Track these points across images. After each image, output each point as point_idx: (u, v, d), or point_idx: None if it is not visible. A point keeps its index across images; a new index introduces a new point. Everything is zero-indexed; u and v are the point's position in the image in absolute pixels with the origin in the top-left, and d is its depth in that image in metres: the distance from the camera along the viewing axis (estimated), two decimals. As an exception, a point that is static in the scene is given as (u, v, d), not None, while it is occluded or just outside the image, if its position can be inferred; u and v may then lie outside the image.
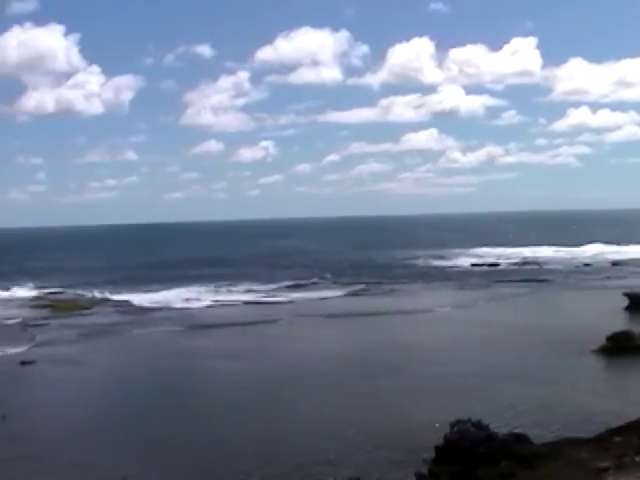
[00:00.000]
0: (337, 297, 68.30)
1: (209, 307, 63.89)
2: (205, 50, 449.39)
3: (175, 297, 69.45)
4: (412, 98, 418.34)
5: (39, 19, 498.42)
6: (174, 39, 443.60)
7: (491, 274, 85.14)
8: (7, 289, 75.23)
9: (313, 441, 25.01)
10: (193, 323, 53.17)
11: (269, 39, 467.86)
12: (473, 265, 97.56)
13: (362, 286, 75.91)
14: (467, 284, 75.68)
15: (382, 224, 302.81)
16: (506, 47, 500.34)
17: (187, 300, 67.78)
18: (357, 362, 38.37)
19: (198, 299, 68.25)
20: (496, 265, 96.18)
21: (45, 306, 64.23)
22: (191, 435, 26.28)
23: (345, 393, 32.02)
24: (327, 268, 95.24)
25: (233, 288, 76.75)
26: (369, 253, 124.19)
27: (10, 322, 55.66)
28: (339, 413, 28.78)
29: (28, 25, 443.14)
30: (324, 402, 30.63)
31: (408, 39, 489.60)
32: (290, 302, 65.25)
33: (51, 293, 72.79)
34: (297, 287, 76.50)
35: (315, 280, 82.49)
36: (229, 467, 22.70)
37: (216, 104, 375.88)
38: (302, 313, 57.25)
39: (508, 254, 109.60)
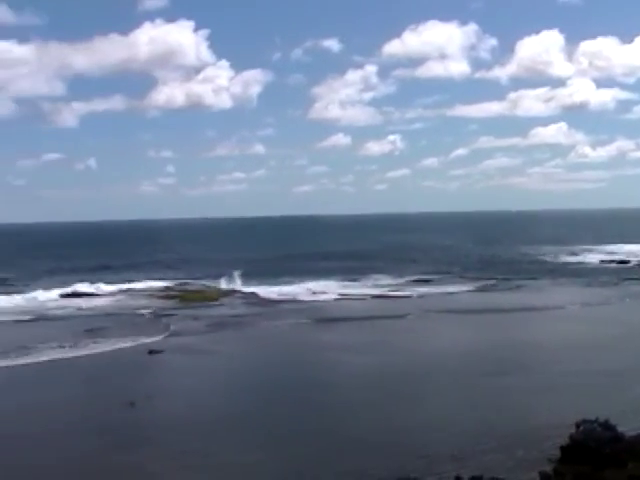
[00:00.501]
0: (464, 292, 67.63)
1: (336, 300, 64.06)
2: (333, 44, 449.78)
3: (302, 290, 69.86)
4: (541, 92, 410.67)
5: (169, 15, 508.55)
6: (302, 33, 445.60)
7: (621, 271, 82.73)
8: (139, 280, 77.20)
9: (436, 436, 24.67)
10: (320, 316, 53.20)
11: (397, 33, 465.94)
12: (602, 262, 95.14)
13: (489, 281, 75.02)
14: (596, 281, 73.78)
15: (509, 219, 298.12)
16: (638, 39, 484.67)
17: (314, 293, 68.13)
18: (484, 359, 37.71)
19: (325, 292, 68.50)
20: (626, 262, 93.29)
21: (173, 297, 65.53)
22: (314, 426, 26.34)
23: (470, 390, 31.44)
24: (454, 263, 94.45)
25: (360, 282, 76.87)
26: (496, 248, 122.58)
27: (143, 312, 57.15)
28: (464, 410, 28.31)
29: (159, 21, 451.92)
30: (449, 398, 30.22)
31: (537, 32, 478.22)
32: (417, 296, 64.87)
33: (180, 284, 74.09)
34: (424, 282, 76.09)
35: (442, 275, 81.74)
36: (351, 459, 22.55)
37: (344, 98, 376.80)
38: (429, 308, 56.73)
39: (638, 251, 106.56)
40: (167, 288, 70.37)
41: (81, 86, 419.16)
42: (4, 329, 50.53)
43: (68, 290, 69.34)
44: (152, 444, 24.76)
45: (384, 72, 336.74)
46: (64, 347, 41.39)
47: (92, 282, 74.50)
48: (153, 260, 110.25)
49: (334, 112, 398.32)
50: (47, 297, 66.37)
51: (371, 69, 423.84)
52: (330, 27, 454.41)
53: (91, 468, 22.35)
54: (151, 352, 40.46)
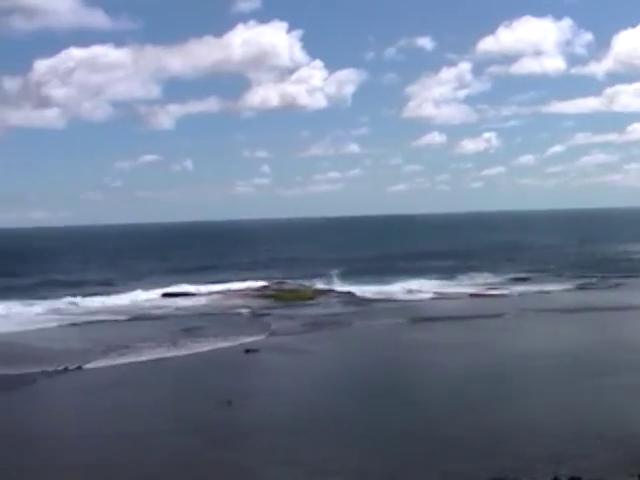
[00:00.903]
0: (563, 291, 66.40)
1: (433, 299, 63.53)
2: (426, 42, 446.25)
3: (398, 289, 69.59)
4: (638, 86, 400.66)
5: (263, 17, 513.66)
6: (395, 32, 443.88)
7: None
8: (236, 280, 77.83)
9: (531, 437, 24.19)
10: (416, 315, 52.76)
11: (490, 29, 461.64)
12: None
13: (588, 280, 73.51)
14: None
15: (608, 217, 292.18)
16: None
17: (410, 292, 67.72)
18: (583, 359, 36.80)
19: (421, 291, 68.05)
20: None
21: (269, 296, 65.84)
22: (409, 427, 26.06)
23: (568, 390, 30.78)
24: (552, 261, 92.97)
25: (456, 280, 76.19)
26: (595, 246, 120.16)
27: (239, 311, 57.50)
28: (560, 411, 27.73)
29: (252, 23, 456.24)
30: (545, 399, 29.60)
31: (633, 25, 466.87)
32: (515, 295, 63.91)
33: (276, 283, 74.42)
34: (522, 280, 75.14)
35: (540, 273, 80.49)
36: (447, 460, 22.29)
37: (438, 96, 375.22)
38: (527, 307, 55.75)
39: None
40: (263, 287, 70.63)
41: (176, 88, 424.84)
42: (106, 328, 51.57)
43: (168, 290, 70.26)
44: (248, 442, 24.91)
45: (478, 69, 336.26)
46: (163, 346, 41.94)
47: (190, 282, 75.51)
48: (250, 260, 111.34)
49: (428, 110, 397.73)
50: (147, 297, 67.50)
51: (465, 67, 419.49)
52: (423, 25, 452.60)
53: (188, 464, 22.56)
54: (247, 351, 40.72)
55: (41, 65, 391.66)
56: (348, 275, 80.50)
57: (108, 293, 70.15)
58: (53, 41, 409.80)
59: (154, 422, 27.41)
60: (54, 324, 53.11)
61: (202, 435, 25.54)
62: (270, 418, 27.87)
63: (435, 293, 66.45)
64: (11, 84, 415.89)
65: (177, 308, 60.77)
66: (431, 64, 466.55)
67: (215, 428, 26.39)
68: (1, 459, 22.94)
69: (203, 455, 23.30)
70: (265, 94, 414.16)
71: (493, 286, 70.62)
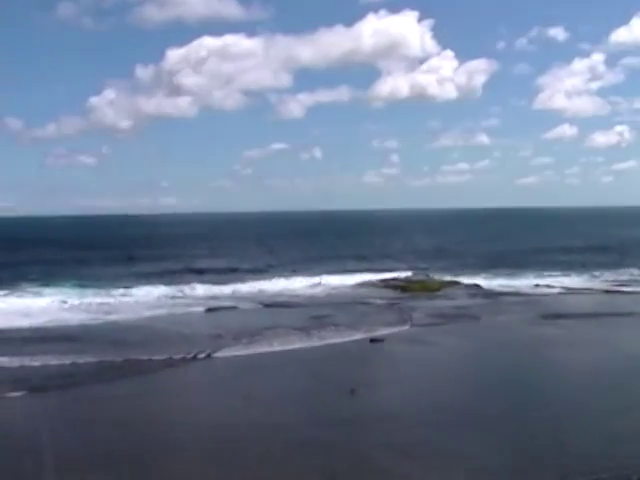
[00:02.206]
0: None
1: (561, 294, 62.40)
2: (558, 32, 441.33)
3: (526, 282, 68.65)
4: None
5: (393, 6, 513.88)
6: (527, 22, 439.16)
7: None
8: (364, 270, 78.42)
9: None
10: (545, 310, 51.66)
11: (624, 20, 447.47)
12: None
13: None
14: None
15: None
16: None
17: (538, 286, 66.72)
18: None
19: (550, 285, 66.92)
20: None
21: (396, 287, 65.81)
22: (534, 422, 25.69)
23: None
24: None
25: (585, 275, 74.53)
26: None
27: (367, 301, 57.56)
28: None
29: (383, 13, 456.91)
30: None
31: None
32: (648, 292, 61.96)
33: (417, 274, 74.40)
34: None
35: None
36: (571, 460, 21.80)
37: (570, 88, 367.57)
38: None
39: None
40: (392, 279, 70.38)
41: (306, 78, 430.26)
42: (237, 315, 52.33)
43: (305, 280, 71.21)
44: (369, 431, 24.87)
45: (611, 61, 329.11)
46: (292, 335, 42.12)
47: (318, 272, 76.44)
48: (377, 251, 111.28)
49: (559, 102, 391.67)
50: (278, 285, 68.43)
51: (598, 58, 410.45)
52: (556, 15, 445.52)
53: (309, 452, 22.68)
54: (372, 341, 40.82)
55: (174, 54, 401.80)
56: (474, 267, 79.94)
57: (240, 280, 71.46)
58: (185, 30, 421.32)
59: (278, 411, 27.71)
60: (184, 310, 54.23)
61: (324, 424, 25.71)
62: (392, 408, 27.89)
63: (564, 288, 65.15)
64: (144, 73, 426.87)
65: (306, 297, 61.29)
66: (563, 55, 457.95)
67: (338, 417, 26.48)
68: (130, 446, 23.47)
69: (324, 443, 23.41)
70: (395, 84, 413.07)
71: (627, 282, 68.74)
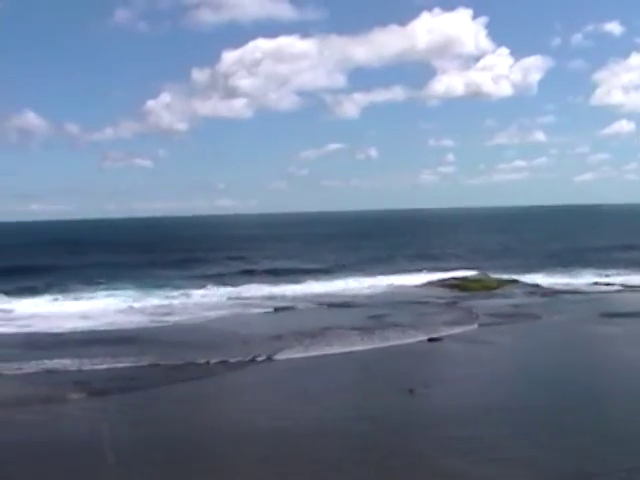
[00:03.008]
0: None
1: (620, 292, 61.57)
2: (614, 27, 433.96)
3: (584, 281, 68.02)
4: None
5: (448, 4, 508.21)
6: (582, 18, 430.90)
7: None
8: (422, 270, 78.51)
9: None
10: (606, 309, 50.89)
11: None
12: None
13: None
14: None
15: None
16: None
17: (596, 284, 65.96)
18: None
19: (608, 283, 66.10)
20: None
21: (454, 285, 65.55)
22: (589, 423, 25.41)
23: None
24: None
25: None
26: None
27: (424, 301, 57.50)
28: None
29: (437, 11, 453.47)
30: None
31: None
32: None
33: (475, 273, 73.87)
34: None
35: None
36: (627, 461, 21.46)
37: (627, 83, 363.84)
38: None
39: None
40: (451, 278, 69.89)
41: (361, 77, 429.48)
42: (297, 316, 52.42)
43: (363, 279, 71.46)
44: (428, 430, 24.81)
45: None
46: (351, 335, 42.02)
47: (375, 273, 76.67)
48: (435, 250, 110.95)
49: (617, 97, 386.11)
50: (342, 286, 68.88)
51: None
52: (611, 10, 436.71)
53: (367, 451, 22.61)
54: (430, 340, 40.72)
55: (229, 56, 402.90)
56: (533, 265, 79.35)
57: (298, 281, 71.91)
58: (240, 33, 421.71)
59: (335, 410, 27.65)
60: (243, 311, 54.55)
61: (382, 423, 25.68)
62: (450, 407, 27.77)
63: (623, 286, 64.30)
64: (200, 75, 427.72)
65: (364, 297, 61.33)
66: (620, 50, 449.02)
67: (396, 417, 26.45)
68: (188, 446, 23.58)
69: (382, 443, 23.39)
70: (450, 82, 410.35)
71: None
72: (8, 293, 63.07)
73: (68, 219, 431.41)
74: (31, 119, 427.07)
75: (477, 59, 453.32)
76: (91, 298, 61.09)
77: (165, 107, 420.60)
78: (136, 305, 57.17)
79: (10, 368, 34.78)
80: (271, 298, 61.04)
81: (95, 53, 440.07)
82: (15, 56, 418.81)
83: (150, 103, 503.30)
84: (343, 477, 20.78)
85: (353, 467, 21.34)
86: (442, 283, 67.50)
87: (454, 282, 67.31)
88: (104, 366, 34.81)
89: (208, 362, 35.47)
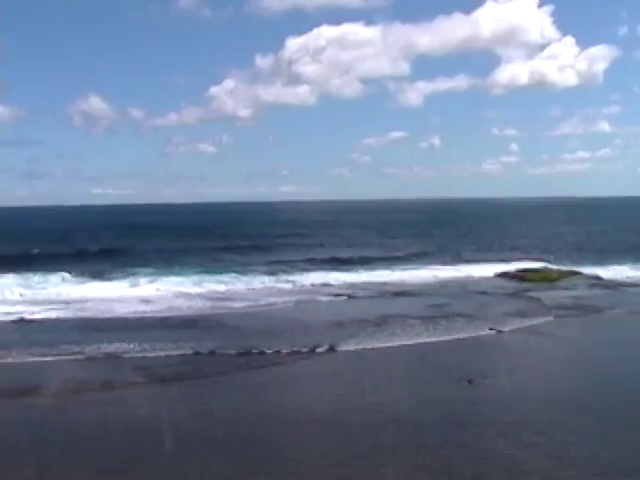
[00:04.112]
0: None
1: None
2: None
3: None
4: None
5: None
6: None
7: None
8: (484, 261, 78.07)
9: None
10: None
11: None
12: None
13: None
14: None
15: None
16: None
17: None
18: None
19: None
20: None
21: (513, 277, 65.08)
22: None
23: None
24: None
25: None
26: None
27: (486, 291, 57.28)
28: None
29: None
30: None
31: None
32: None
33: (536, 264, 73.29)
34: None
35: None
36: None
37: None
38: None
39: None
40: (514, 270, 69.09)
41: (425, 66, 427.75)
42: (360, 305, 52.12)
43: (423, 269, 71.69)
44: (485, 421, 24.65)
45: None
46: (411, 325, 41.89)
47: (435, 262, 76.57)
48: (496, 240, 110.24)
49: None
50: (402, 275, 68.58)
51: None
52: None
53: (429, 443, 22.60)
54: (491, 329, 40.57)
55: (293, 43, 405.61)
56: (595, 257, 78.45)
57: (358, 269, 72.13)
58: (304, 19, 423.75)
59: (394, 400, 27.65)
60: (302, 297, 54.71)
61: (440, 413, 25.71)
62: (509, 399, 27.60)
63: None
64: (264, 62, 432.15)
65: (424, 286, 61.04)
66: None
67: (454, 407, 26.40)
68: (247, 432, 23.82)
69: (440, 434, 23.39)
70: (514, 71, 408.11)
71: None
72: (70, 277, 64.07)
73: (131, 203, 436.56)
74: (96, 104, 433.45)
75: (542, 48, 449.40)
76: (151, 282, 61.65)
77: (229, 93, 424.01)
78: (197, 290, 57.64)
79: (70, 352, 35.32)
80: (333, 285, 61.09)
81: (159, 39, 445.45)
82: (80, 42, 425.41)
83: (214, 89, 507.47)
84: (400, 464, 20.76)
85: (411, 455, 21.36)
86: (503, 274, 66.97)
87: (515, 273, 66.70)
88: (164, 352, 35.11)
89: (268, 351, 35.39)
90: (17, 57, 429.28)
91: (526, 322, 43.46)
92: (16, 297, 53.60)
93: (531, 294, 54.97)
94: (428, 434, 23.31)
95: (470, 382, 29.38)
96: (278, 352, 35.19)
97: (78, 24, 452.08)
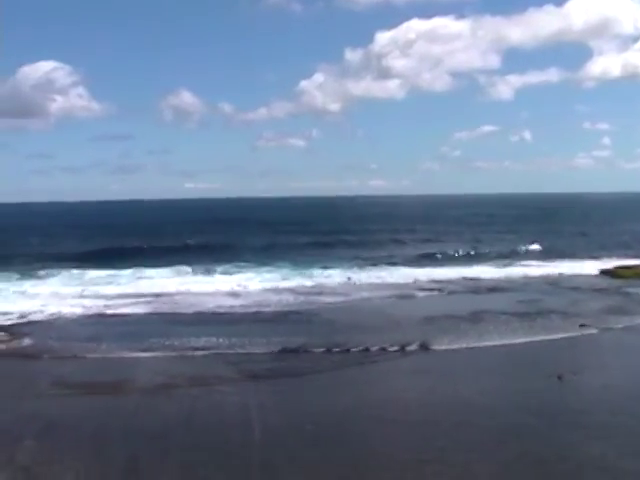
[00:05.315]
0: None
1: None
2: None
3: None
4: None
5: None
6: None
7: None
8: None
9: None
10: None
11: None
12: None
13: None
14: None
15: None
16: None
17: None
18: None
19: None
20: None
21: (606, 273, 63.93)
22: None
23: None
24: None
25: None
26: None
27: (581, 287, 56.06)
28: None
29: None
30: None
31: None
32: None
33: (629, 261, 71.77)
34: None
35: None
36: None
37: None
38: None
39: None
40: (612, 267, 67.57)
41: (515, 59, 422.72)
42: (447, 300, 52.29)
43: (509, 266, 70.89)
44: (574, 418, 24.49)
45: None
46: (501, 322, 41.55)
47: (524, 258, 75.93)
48: (587, 236, 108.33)
49: None
50: (487, 271, 68.12)
51: None
52: None
53: (510, 436, 22.57)
54: (581, 326, 39.90)
55: (382, 37, 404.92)
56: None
57: (444, 264, 72.19)
58: (394, 13, 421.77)
59: (484, 394, 27.57)
60: (396, 292, 54.60)
61: (530, 409, 25.52)
62: (599, 395, 27.33)
63: None
64: (353, 56, 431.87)
65: (512, 282, 60.54)
66: None
67: (544, 403, 26.21)
68: (334, 429, 23.98)
69: (529, 429, 23.25)
70: (607, 63, 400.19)
71: None
72: (157, 271, 65.27)
73: (221, 197, 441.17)
74: (187, 98, 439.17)
75: (635, 40, 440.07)
76: (241, 276, 62.24)
77: (318, 87, 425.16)
78: (286, 284, 58.03)
79: (160, 346, 35.99)
80: (423, 281, 60.71)
81: (249, 34, 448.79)
82: (171, 38, 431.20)
83: (303, 83, 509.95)
84: (487, 460, 20.78)
85: (503, 453, 21.23)
86: (597, 270, 65.70)
87: (608, 269, 65.37)
88: (254, 347, 35.38)
89: (358, 348, 35.12)
90: (109, 53, 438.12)
91: (619, 319, 42.58)
92: (111, 291, 54.53)
93: (623, 290, 53.90)
94: (518, 431, 23.13)
95: (560, 378, 29.08)
96: (365, 350, 34.84)
97: (168, 20, 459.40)
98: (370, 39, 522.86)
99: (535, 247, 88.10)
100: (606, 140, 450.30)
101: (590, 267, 67.76)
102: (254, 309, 47.06)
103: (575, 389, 28.43)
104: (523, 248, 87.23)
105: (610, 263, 69.16)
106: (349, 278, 61.33)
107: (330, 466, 20.46)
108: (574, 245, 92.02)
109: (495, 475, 19.97)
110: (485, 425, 23.82)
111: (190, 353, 34.57)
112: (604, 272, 64.40)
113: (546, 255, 79.79)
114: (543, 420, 24.15)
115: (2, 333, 39.23)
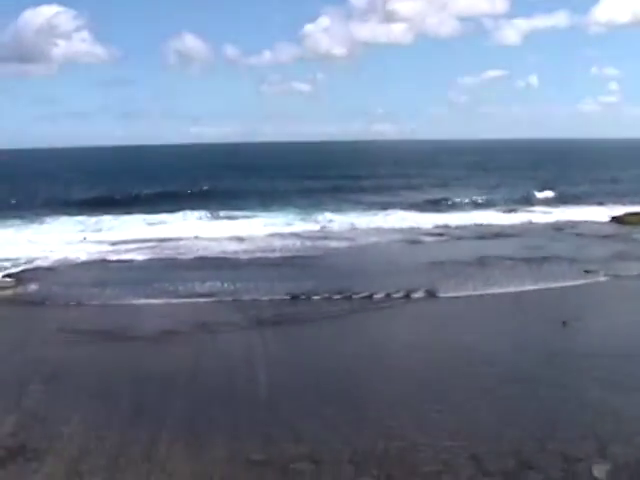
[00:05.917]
0: None
1: None
2: None
3: None
4: None
5: None
6: None
7: None
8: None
9: None
10: None
11: None
12: None
13: None
14: None
15: None
16: None
17: None
18: None
19: None
20: None
21: (612, 219, 63.80)
22: None
23: None
24: None
25: None
26: None
27: (585, 233, 56.41)
28: None
29: None
30: None
31: None
32: None
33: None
34: None
35: None
36: None
37: None
38: None
39: None
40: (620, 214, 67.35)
41: (523, 3, 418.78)
42: (453, 245, 52.40)
43: (516, 212, 71.42)
44: (579, 364, 24.51)
45: None
46: (507, 267, 41.69)
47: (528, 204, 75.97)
48: (592, 182, 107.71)
49: None
50: (492, 217, 68.23)
51: None
52: None
53: (522, 382, 22.69)
54: (587, 272, 39.86)
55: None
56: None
57: (451, 210, 72.58)
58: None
59: (488, 341, 27.68)
60: (402, 237, 54.83)
61: (534, 356, 25.66)
62: (603, 341, 27.44)
63: None
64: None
65: (517, 228, 60.57)
66: None
67: (548, 349, 26.24)
68: (338, 380, 24.09)
69: (533, 376, 23.39)
70: (615, 8, 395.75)
71: None
72: (162, 216, 65.50)
73: (226, 142, 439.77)
74: (190, 42, 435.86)
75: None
76: (247, 220, 62.19)
77: (324, 31, 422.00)
78: (292, 229, 58.10)
79: (164, 291, 35.97)
80: (428, 227, 60.63)
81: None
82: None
83: (308, 27, 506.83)
84: (494, 399, 21.18)
85: (507, 399, 21.33)
86: (603, 216, 65.52)
87: (615, 216, 65.09)
88: (259, 293, 35.27)
89: (364, 294, 34.93)
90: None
91: (625, 266, 42.47)
92: (116, 237, 54.53)
93: (633, 237, 53.84)
94: (522, 377, 23.20)
95: (564, 324, 29.21)
96: (369, 297, 34.58)
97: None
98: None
99: (547, 194, 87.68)
100: (613, 85, 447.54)
101: (596, 213, 67.70)
102: (259, 254, 47.08)
103: (578, 334, 28.52)
104: (535, 194, 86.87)
105: (617, 209, 68.78)
106: (352, 224, 61.12)
107: (331, 406, 20.65)
108: (579, 191, 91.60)
109: (494, 412, 20.23)
110: (485, 369, 23.93)
111: (194, 299, 34.56)
112: (612, 218, 64.15)
113: (558, 201, 79.66)
114: (545, 365, 24.31)
115: (8, 279, 39.29)
